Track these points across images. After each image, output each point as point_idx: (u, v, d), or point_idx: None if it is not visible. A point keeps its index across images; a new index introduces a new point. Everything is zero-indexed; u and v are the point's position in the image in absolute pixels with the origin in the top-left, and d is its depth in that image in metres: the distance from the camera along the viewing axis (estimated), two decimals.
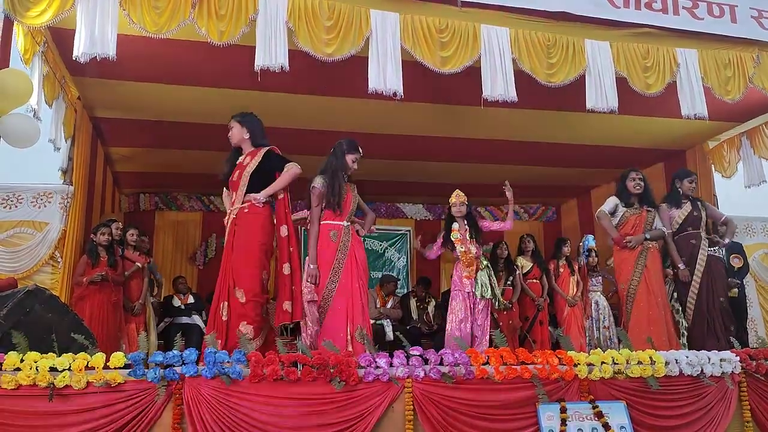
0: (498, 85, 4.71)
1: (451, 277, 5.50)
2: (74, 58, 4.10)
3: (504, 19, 4.89)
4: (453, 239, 5.33)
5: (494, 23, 4.84)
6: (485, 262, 5.33)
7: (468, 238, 5.31)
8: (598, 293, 7.28)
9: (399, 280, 8.63)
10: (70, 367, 3.31)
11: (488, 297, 5.24)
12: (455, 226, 5.36)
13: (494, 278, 5.38)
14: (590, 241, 7.47)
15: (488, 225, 5.55)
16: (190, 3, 4.22)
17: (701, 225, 5.30)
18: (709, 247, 5.28)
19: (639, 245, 5.15)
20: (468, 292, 5.22)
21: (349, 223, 4.61)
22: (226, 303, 4.09)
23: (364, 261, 4.60)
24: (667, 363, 4.03)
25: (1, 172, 4.70)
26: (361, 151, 4.71)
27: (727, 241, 5.45)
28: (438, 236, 5.57)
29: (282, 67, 4.29)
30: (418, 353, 3.75)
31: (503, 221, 5.62)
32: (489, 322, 5.29)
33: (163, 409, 3.35)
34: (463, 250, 5.28)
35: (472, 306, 5.20)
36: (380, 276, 8.51)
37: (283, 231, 4.26)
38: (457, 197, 5.39)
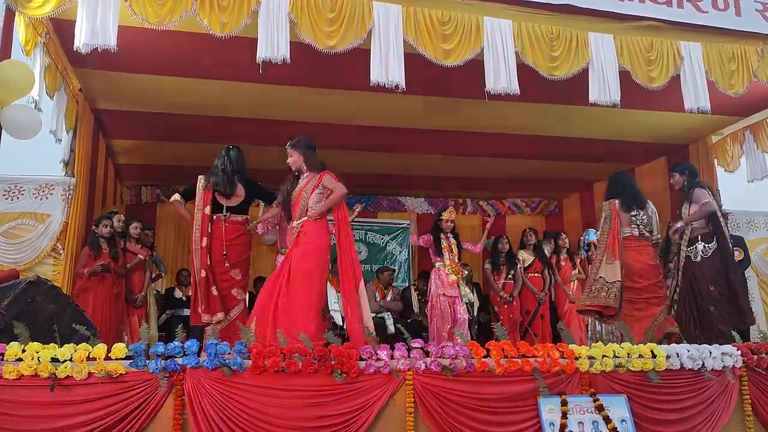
0: (501, 78, 4.69)
1: (430, 283, 6.27)
2: (75, 49, 4.09)
3: (507, 11, 4.86)
4: (442, 247, 6.15)
5: (497, 15, 4.82)
6: (466, 272, 6.30)
7: (453, 249, 6.18)
8: None
9: (394, 270, 8.70)
10: (71, 357, 3.32)
11: (470, 301, 6.33)
12: (443, 236, 6.22)
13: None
14: (591, 235, 7.45)
15: (462, 243, 6.40)
16: None
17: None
18: (687, 247, 5.16)
19: None
20: (451, 297, 6.02)
21: (299, 221, 4.45)
22: None
23: (298, 256, 4.34)
24: (668, 356, 4.03)
25: (2, 164, 4.71)
26: (288, 143, 4.64)
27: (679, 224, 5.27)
28: (428, 235, 6.37)
29: (284, 60, 4.27)
30: (419, 346, 3.75)
31: (475, 244, 6.56)
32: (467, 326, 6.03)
33: (165, 400, 3.36)
34: (451, 257, 6.12)
35: (452, 309, 5.99)
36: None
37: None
38: (450, 214, 6.38)
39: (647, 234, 5.27)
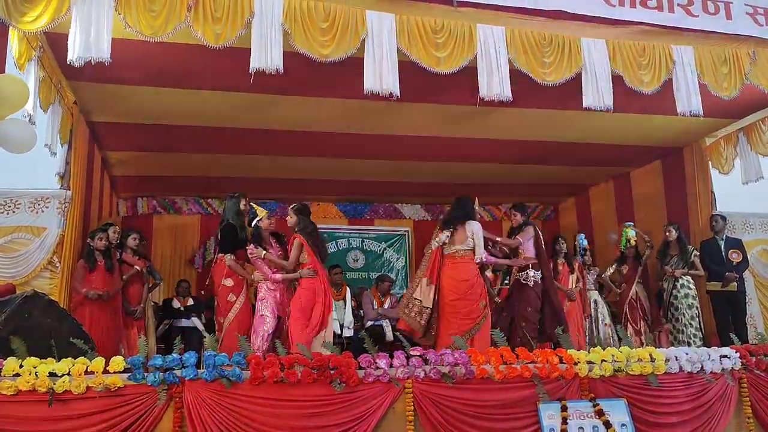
0: (494, 84, 4.70)
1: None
2: (68, 62, 4.09)
3: (500, 18, 4.88)
4: None
5: (490, 23, 4.84)
6: None
7: None
8: (596, 292, 7.27)
9: (394, 281, 8.67)
10: (69, 371, 3.31)
11: None
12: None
13: None
14: (583, 240, 7.45)
15: None
16: (185, 6, 4.20)
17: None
18: (519, 272, 5.80)
19: None
20: None
21: None
22: None
23: None
24: (667, 360, 4.04)
25: None
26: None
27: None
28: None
29: (277, 70, 4.28)
30: (418, 353, 3.75)
31: None
32: None
33: (164, 412, 3.35)
34: None
35: None
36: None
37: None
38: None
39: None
